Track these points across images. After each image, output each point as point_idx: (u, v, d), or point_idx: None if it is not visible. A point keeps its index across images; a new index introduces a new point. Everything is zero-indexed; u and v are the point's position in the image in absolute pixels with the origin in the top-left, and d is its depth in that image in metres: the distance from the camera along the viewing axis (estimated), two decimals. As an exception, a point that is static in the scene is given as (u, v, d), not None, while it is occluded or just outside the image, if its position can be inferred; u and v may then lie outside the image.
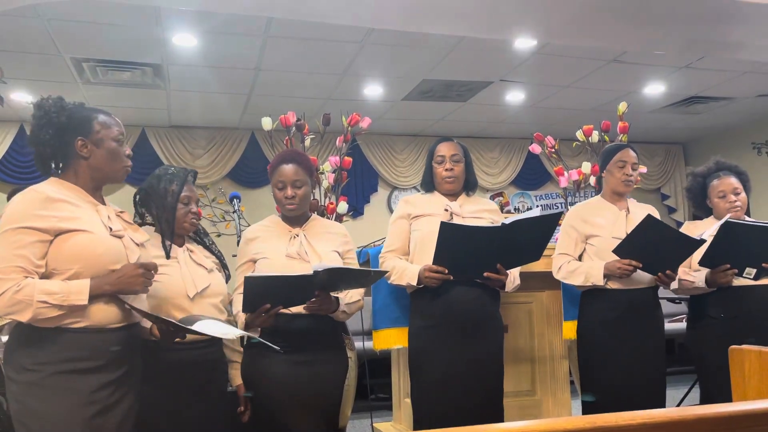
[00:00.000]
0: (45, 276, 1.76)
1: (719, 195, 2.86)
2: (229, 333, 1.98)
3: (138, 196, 2.28)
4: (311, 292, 2.20)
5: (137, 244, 1.95)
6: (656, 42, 4.47)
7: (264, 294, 2.14)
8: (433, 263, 2.40)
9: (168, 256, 2.18)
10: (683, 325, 3.11)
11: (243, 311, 2.21)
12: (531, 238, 2.43)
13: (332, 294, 2.30)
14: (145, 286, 1.87)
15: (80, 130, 1.88)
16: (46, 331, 1.74)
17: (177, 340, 1.97)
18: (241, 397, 2.33)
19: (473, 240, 2.35)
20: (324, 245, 2.42)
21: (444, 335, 2.46)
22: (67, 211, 1.80)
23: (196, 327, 1.90)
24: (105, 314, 1.80)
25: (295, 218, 2.47)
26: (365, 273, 2.37)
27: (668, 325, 3.75)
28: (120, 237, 1.88)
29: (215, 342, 2.23)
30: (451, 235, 2.32)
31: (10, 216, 1.76)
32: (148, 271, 1.87)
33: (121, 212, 2.00)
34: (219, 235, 6.88)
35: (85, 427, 1.75)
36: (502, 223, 2.35)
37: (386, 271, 2.47)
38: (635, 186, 2.89)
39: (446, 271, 2.40)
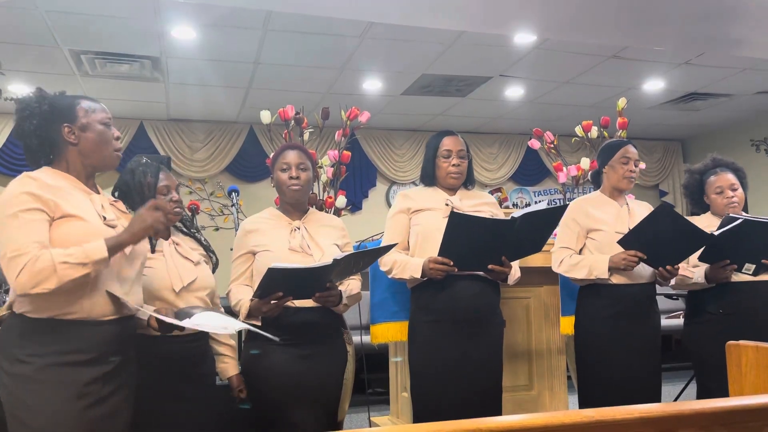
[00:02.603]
0: None
1: (716, 191, 2.87)
2: (229, 326, 1.96)
3: (116, 193, 2.24)
4: (324, 283, 2.21)
5: None
6: (656, 38, 4.46)
7: (280, 285, 2.15)
8: (439, 254, 2.39)
9: (153, 250, 2.14)
10: (680, 321, 3.13)
11: (254, 297, 2.21)
12: (535, 230, 2.43)
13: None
14: (168, 222, 1.84)
15: (65, 117, 1.86)
16: (39, 323, 1.73)
17: (175, 332, 1.97)
18: (235, 390, 2.32)
19: (481, 232, 2.34)
20: (324, 238, 2.42)
21: (445, 330, 2.46)
22: (62, 198, 1.79)
23: (192, 322, 1.89)
24: (99, 306, 1.79)
25: (295, 210, 2.47)
26: (377, 251, 2.37)
27: (665, 322, 3.76)
28: (113, 227, 1.86)
29: (201, 335, 2.22)
30: (459, 226, 2.30)
31: (11, 200, 1.74)
32: (163, 208, 1.82)
33: (115, 201, 1.99)
34: (217, 229, 6.91)
35: (78, 419, 1.73)
36: (512, 217, 2.34)
37: (394, 244, 2.47)
38: (635, 182, 2.89)
39: (451, 263, 2.39)
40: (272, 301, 2.17)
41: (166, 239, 2.01)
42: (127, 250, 1.88)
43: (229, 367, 2.35)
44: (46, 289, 1.68)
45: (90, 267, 1.71)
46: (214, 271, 2.38)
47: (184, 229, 2.37)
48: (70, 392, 1.73)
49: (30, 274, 1.67)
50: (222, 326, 1.94)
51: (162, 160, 2.29)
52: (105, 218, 1.85)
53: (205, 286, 2.24)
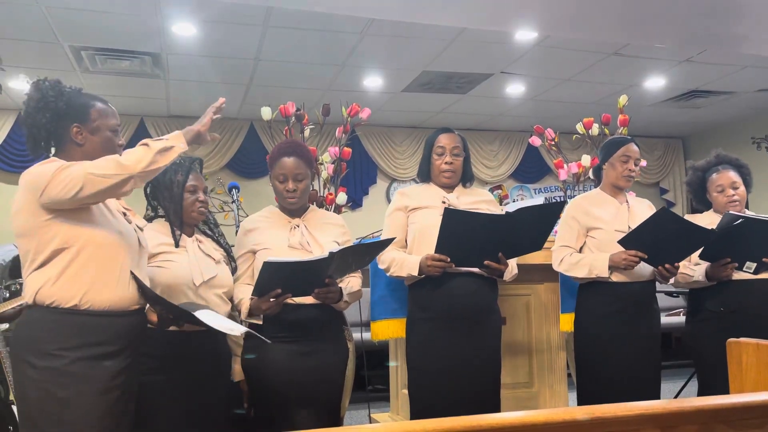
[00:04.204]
0: (52, 255, 1.75)
1: (718, 189, 2.86)
2: (235, 329, 1.98)
3: (148, 189, 2.29)
4: (322, 279, 2.20)
5: (140, 228, 1.97)
6: (657, 35, 4.45)
7: (278, 281, 2.14)
8: (436, 251, 2.38)
9: (177, 245, 2.19)
10: (680, 318, 3.13)
11: (253, 295, 2.21)
12: (533, 227, 2.42)
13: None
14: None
15: (77, 117, 1.86)
16: (68, 314, 1.73)
17: (172, 328, 1.97)
18: (245, 392, 2.33)
19: (476, 227, 2.33)
20: (324, 236, 2.41)
21: (443, 327, 2.46)
22: None
23: (200, 314, 1.89)
24: (124, 296, 1.81)
25: (295, 210, 2.47)
26: (376, 246, 2.35)
27: (665, 319, 3.76)
28: (129, 221, 1.92)
29: (217, 332, 2.23)
30: (454, 222, 2.30)
31: (43, 168, 1.75)
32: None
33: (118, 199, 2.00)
34: (217, 226, 6.92)
35: (108, 413, 1.75)
36: (506, 212, 2.33)
37: (393, 239, 2.46)
38: (635, 180, 2.89)
39: (448, 260, 2.38)
40: (271, 299, 2.17)
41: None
42: (143, 243, 1.92)
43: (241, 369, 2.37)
44: (143, 170, 1.75)
45: (173, 144, 1.84)
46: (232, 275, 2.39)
47: (209, 232, 2.38)
48: (100, 386, 1.74)
49: (116, 163, 1.73)
50: (228, 327, 1.96)
51: (194, 160, 2.32)
52: (125, 215, 1.90)
53: (223, 284, 2.25)
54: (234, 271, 2.39)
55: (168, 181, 2.22)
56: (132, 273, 1.83)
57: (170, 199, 2.21)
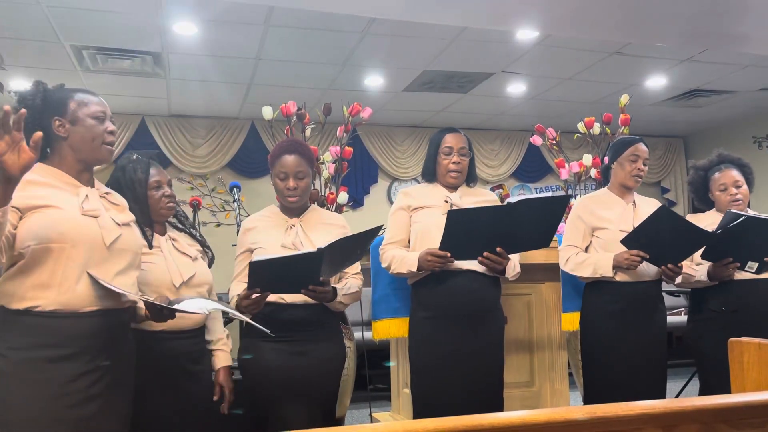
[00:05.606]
0: (14, 258, 1.71)
1: (720, 188, 2.86)
2: (203, 307, 1.93)
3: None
4: (315, 276, 2.18)
5: (119, 224, 1.86)
6: (658, 34, 4.45)
7: (268, 279, 2.13)
8: (440, 249, 2.36)
9: (150, 246, 2.14)
10: (682, 318, 3.12)
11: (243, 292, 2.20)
12: (537, 222, 2.39)
13: (331, 283, 2.30)
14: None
15: (56, 110, 1.83)
16: (15, 315, 1.69)
17: (169, 322, 1.93)
18: (216, 384, 2.27)
19: (480, 222, 2.32)
20: (321, 236, 2.40)
21: (446, 326, 2.46)
22: (38, 191, 1.75)
23: (182, 306, 1.85)
24: (76, 296, 1.73)
25: (294, 208, 2.47)
26: (364, 236, 2.27)
27: (667, 318, 3.75)
28: (95, 216, 1.80)
29: (198, 334, 2.23)
30: (458, 222, 2.29)
31: None
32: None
33: (107, 193, 1.94)
34: (218, 225, 6.93)
35: (60, 419, 1.67)
36: (507, 202, 2.32)
37: (380, 226, 2.43)
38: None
39: (449, 255, 2.37)
40: (253, 296, 2.15)
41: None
42: (109, 237, 1.80)
43: (217, 359, 2.31)
44: None
45: None
46: (210, 266, 2.37)
47: (179, 225, 2.36)
48: (50, 391, 1.67)
49: None
50: (199, 307, 1.92)
51: (152, 155, 2.28)
52: (84, 208, 1.80)
53: (203, 281, 2.24)
54: (212, 261, 2.38)
55: (129, 181, 2.17)
56: (91, 275, 1.73)
57: (135, 200, 2.14)
